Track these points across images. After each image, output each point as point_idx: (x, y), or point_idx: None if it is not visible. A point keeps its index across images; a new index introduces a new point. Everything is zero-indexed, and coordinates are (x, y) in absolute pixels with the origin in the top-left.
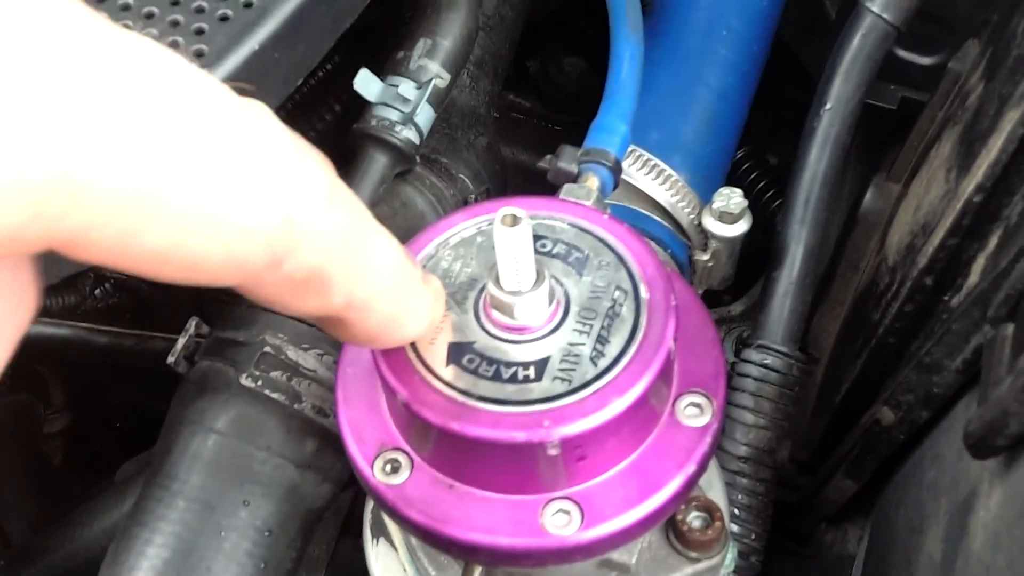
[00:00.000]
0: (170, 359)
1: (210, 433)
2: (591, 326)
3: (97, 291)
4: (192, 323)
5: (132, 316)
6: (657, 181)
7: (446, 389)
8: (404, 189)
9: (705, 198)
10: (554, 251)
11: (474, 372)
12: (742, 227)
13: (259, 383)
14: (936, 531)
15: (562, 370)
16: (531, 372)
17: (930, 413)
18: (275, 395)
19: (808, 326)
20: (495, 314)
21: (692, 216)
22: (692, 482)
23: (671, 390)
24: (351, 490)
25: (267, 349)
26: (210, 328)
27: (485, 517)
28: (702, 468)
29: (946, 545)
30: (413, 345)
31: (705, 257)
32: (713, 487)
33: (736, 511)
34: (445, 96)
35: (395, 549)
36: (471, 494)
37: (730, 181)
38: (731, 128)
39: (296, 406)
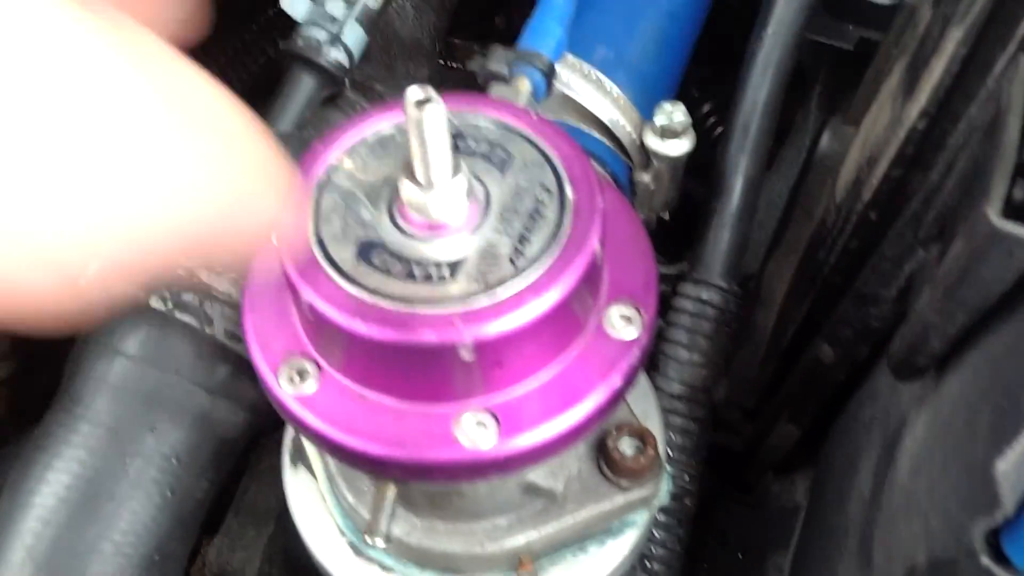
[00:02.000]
0: (81, 284)
1: (117, 356)
2: (512, 226)
3: None
4: None
5: None
6: (599, 96)
7: (352, 288)
8: (332, 114)
9: (649, 117)
10: (477, 150)
11: (385, 271)
12: (684, 145)
13: (169, 305)
14: (868, 466)
15: (479, 270)
16: (445, 271)
17: (868, 349)
18: (185, 318)
19: (761, 273)
20: (409, 211)
21: (634, 135)
22: (617, 396)
23: (598, 300)
24: None
25: (178, 271)
26: None
27: (395, 428)
28: (628, 382)
29: (875, 479)
30: (321, 244)
31: (647, 178)
32: (650, 418)
33: (669, 451)
34: (377, 18)
35: (314, 478)
36: (382, 404)
37: (697, 135)
38: (679, 49)
39: (208, 330)
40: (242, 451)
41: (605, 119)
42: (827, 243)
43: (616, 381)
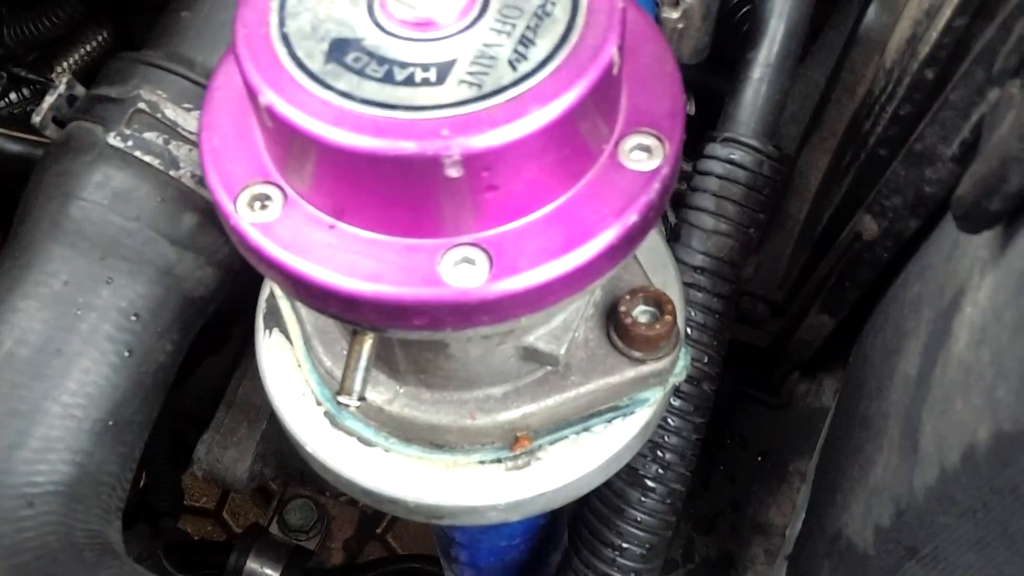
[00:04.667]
0: (35, 118)
1: (70, 199)
2: (514, 25)
3: (12, 96)
4: (63, 79)
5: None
6: None
7: (320, 90)
8: None
9: None
10: None
11: (359, 72)
12: None
13: (129, 143)
14: (915, 347)
15: (471, 73)
16: (431, 74)
17: (919, 221)
18: (148, 158)
19: (794, 163)
20: (391, 5)
21: None
22: (632, 238)
23: (615, 125)
24: None
25: (141, 105)
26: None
27: (370, 262)
28: (646, 222)
29: (924, 359)
30: (287, 42)
31: (676, 15)
32: (670, 287)
33: (689, 329)
34: None
35: (290, 342)
36: (355, 235)
37: (726, 26)
38: None
39: (172, 172)
40: (222, 323)
41: None
42: (874, 113)
43: (632, 217)
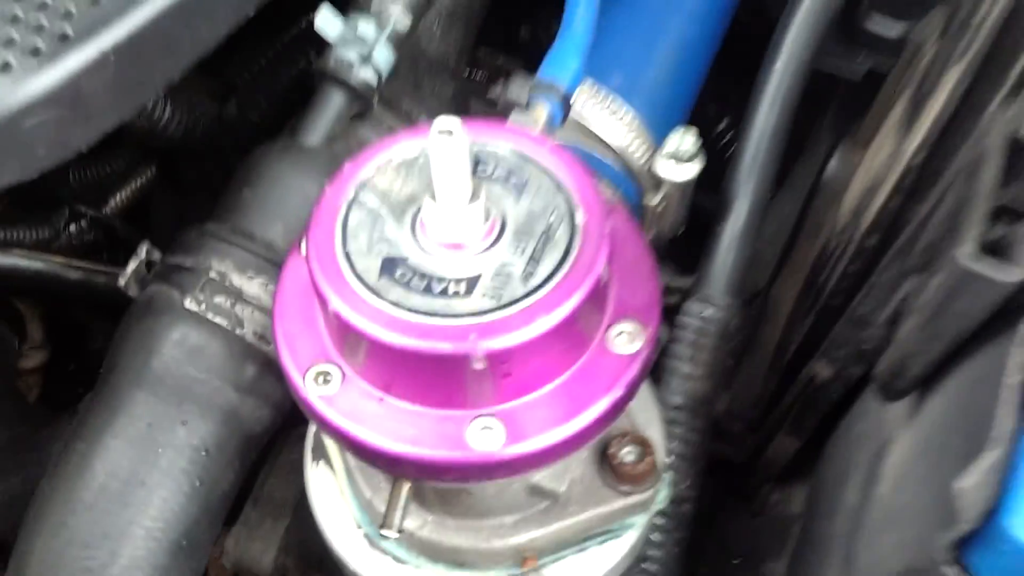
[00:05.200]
0: (120, 281)
1: (152, 353)
2: (525, 247)
3: (72, 227)
4: (143, 248)
5: (107, 254)
6: (612, 121)
7: (376, 300)
8: (361, 129)
9: (661, 141)
10: (495, 175)
11: (406, 285)
12: (693, 170)
13: (203, 307)
14: (856, 481)
15: (492, 287)
16: (462, 288)
17: (862, 369)
18: (217, 319)
19: (769, 289)
20: (430, 230)
21: (644, 159)
22: (618, 407)
23: (604, 318)
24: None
25: (212, 275)
26: (161, 254)
27: (411, 429)
28: (630, 394)
29: (861, 493)
30: (348, 259)
31: (655, 201)
32: (652, 427)
33: (670, 459)
34: (406, 39)
35: (334, 472)
36: (399, 407)
37: (712, 150)
38: (692, 76)
39: (238, 331)
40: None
41: (617, 144)
42: (828, 265)
43: (617, 392)
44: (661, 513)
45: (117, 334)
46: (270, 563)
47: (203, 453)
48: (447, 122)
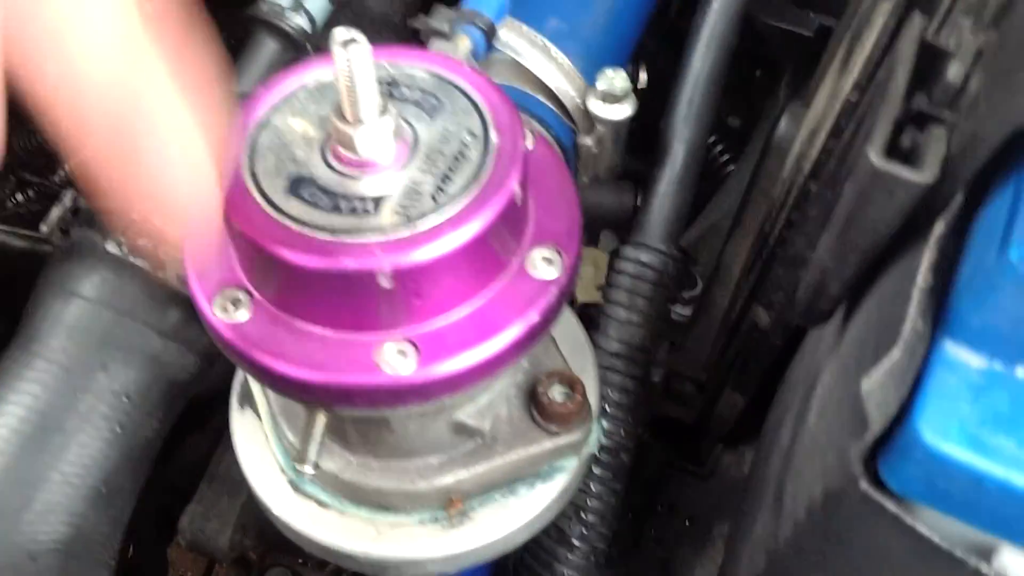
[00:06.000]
0: (43, 228)
1: (72, 297)
2: (436, 166)
3: (19, 196)
4: (67, 195)
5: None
6: (546, 62)
7: (281, 218)
8: None
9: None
10: (410, 97)
11: (312, 204)
12: (626, 109)
13: (124, 250)
14: (789, 421)
15: (401, 205)
16: (370, 206)
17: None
18: (139, 261)
19: (721, 255)
20: (339, 149)
21: (578, 100)
22: (534, 332)
23: (522, 242)
24: None
25: (135, 217)
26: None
27: (321, 354)
28: (546, 319)
29: (793, 431)
30: (255, 179)
31: (590, 141)
32: (586, 373)
33: (607, 407)
34: None
35: (259, 418)
36: (309, 331)
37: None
38: (629, 23)
39: (160, 274)
40: (206, 403)
41: (551, 85)
42: (772, 216)
43: (533, 317)
44: (599, 463)
45: (39, 280)
46: (227, 542)
47: (124, 399)
48: (348, 31)
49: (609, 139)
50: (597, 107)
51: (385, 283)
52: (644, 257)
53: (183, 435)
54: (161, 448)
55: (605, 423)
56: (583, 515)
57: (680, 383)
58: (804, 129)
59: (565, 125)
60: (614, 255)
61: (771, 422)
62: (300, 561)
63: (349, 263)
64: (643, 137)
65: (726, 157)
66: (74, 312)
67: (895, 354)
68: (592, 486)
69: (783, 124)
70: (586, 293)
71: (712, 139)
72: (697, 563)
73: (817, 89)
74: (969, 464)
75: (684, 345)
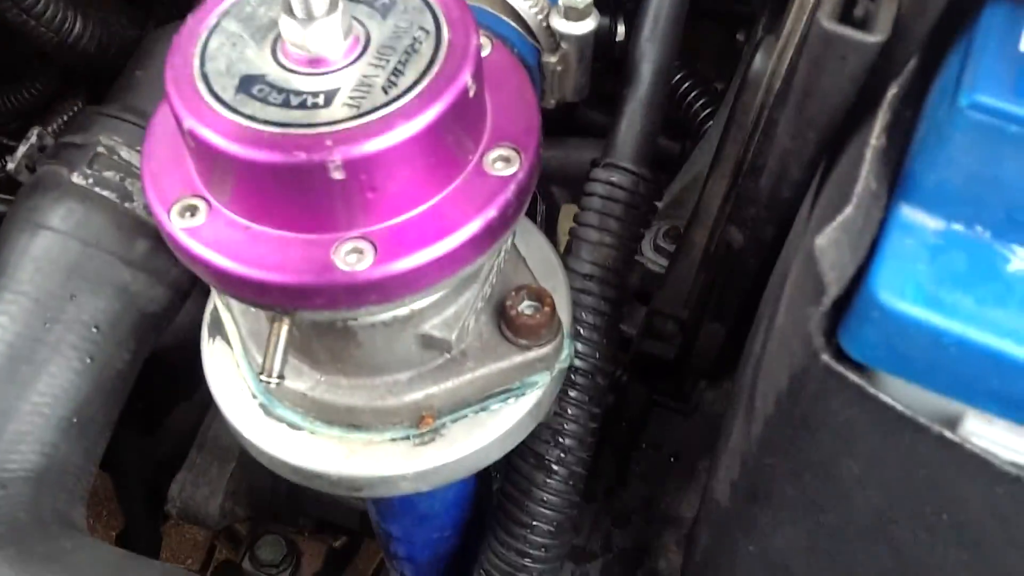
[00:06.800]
0: (10, 166)
1: (39, 229)
2: (387, 61)
3: None
4: (34, 132)
5: None
6: None
7: (230, 114)
8: None
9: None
10: None
11: (263, 100)
12: (588, 25)
13: (90, 181)
14: (760, 329)
15: (352, 98)
16: (320, 100)
17: (774, 228)
18: (106, 192)
19: (701, 195)
20: (289, 47)
21: (540, 17)
22: (492, 229)
23: (479, 141)
24: None
25: (100, 149)
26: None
27: (277, 255)
28: (505, 216)
29: (764, 336)
30: (206, 80)
31: (554, 59)
32: (557, 289)
33: (581, 330)
34: None
35: (229, 346)
36: (265, 234)
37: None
38: None
39: (127, 204)
40: (192, 369)
41: (513, 3)
42: (744, 142)
43: (492, 213)
44: (575, 386)
45: (6, 216)
46: (217, 509)
47: (93, 329)
48: None
49: (574, 57)
50: (560, 24)
51: (336, 174)
52: (614, 177)
53: (170, 407)
54: (148, 419)
55: (580, 346)
56: (560, 439)
57: (661, 322)
58: (774, 55)
59: (528, 44)
60: (586, 179)
61: (748, 341)
62: (297, 531)
63: (300, 155)
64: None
65: (708, 111)
66: (41, 244)
67: (848, 210)
68: (568, 409)
69: (757, 58)
70: None
71: (694, 94)
72: (683, 498)
73: (788, 12)
74: (928, 323)
75: (664, 285)
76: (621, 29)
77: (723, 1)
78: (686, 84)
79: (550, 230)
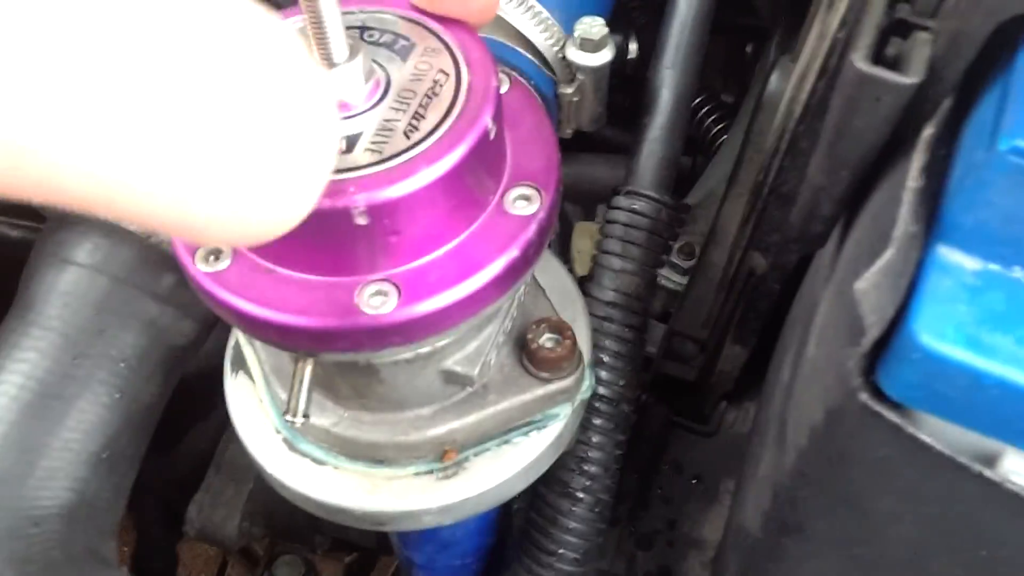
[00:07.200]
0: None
1: (66, 264)
2: (408, 104)
3: None
4: None
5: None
6: (523, 12)
7: None
8: None
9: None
10: (381, 40)
11: None
12: (605, 56)
13: None
14: (789, 358)
15: (374, 143)
16: (342, 145)
17: (797, 254)
18: (132, 227)
19: (718, 216)
20: None
21: (556, 48)
22: (515, 269)
23: (499, 181)
24: None
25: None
26: None
27: (301, 298)
28: (526, 256)
29: (793, 366)
30: None
31: (570, 90)
32: (576, 319)
33: (604, 357)
34: None
35: (252, 381)
36: (289, 277)
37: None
38: None
39: (153, 239)
40: (209, 390)
41: (529, 35)
42: (764, 167)
43: (513, 252)
44: (599, 414)
45: (33, 251)
46: (234, 529)
47: (121, 364)
48: None
49: (590, 88)
50: (576, 55)
51: (360, 220)
52: (636, 205)
53: (187, 427)
54: (165, 439)
55: (604, 373)
56: (585, 467)
57: (681, 343)
58: (793, 76)
59: (545, 75)
60: (607, 207)
61: (773, 366)
62: (314, 550)
63: (323, 202)
64: (633, 108)
65: (720, 126)
66: (69, 279)
67: (888, 254)
68: (593, 437)
69: (773, 79)
70: (584, 267)
71: (706, 109)
72: (704, 520)
73: (806, 36)
74: (967, 364)
75: (683, 306)
76: (633, 47)
77: (730, 13)
78: (698, 100)
79: (563, 248)
